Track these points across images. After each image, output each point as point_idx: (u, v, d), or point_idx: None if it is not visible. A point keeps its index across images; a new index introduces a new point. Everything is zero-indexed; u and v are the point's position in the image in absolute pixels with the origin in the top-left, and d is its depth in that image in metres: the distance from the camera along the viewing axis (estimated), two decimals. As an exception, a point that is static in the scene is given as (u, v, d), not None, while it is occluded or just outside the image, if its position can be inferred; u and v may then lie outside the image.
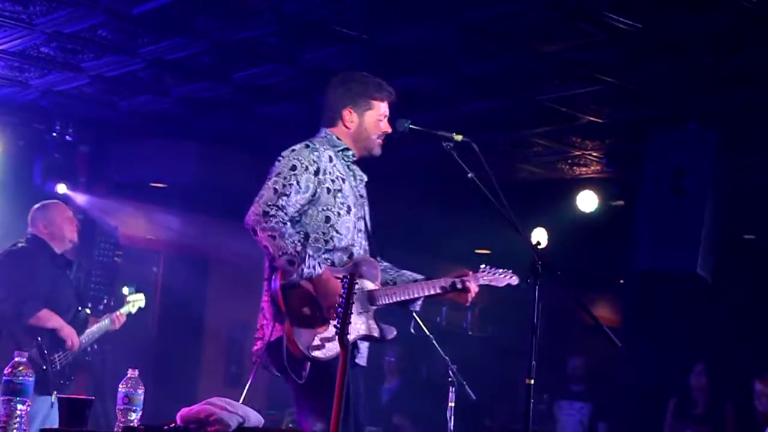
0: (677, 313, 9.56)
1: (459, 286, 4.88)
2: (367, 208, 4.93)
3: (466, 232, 10.84)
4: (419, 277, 4.97)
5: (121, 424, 3.95)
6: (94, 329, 7.24)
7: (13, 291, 6.72)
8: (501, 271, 5.12)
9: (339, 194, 4.67)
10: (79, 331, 7.02)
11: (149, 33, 7.40)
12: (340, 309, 4.03)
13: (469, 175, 4.72)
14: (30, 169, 9.56)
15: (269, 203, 4.45)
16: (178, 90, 8.68)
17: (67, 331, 6.83)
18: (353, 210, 4.73)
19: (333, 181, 4.66)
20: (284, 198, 4.48)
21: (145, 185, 10.49)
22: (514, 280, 5.10)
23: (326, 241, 4.61)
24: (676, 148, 7.95)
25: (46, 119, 9.48)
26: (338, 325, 3.98)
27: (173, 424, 3.62)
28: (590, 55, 7.23)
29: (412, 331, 7.34)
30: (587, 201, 10.02)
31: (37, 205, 7.17)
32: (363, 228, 4.83)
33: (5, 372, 3.42)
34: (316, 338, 4.41)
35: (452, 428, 7.29)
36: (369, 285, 4.69)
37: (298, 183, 4.53)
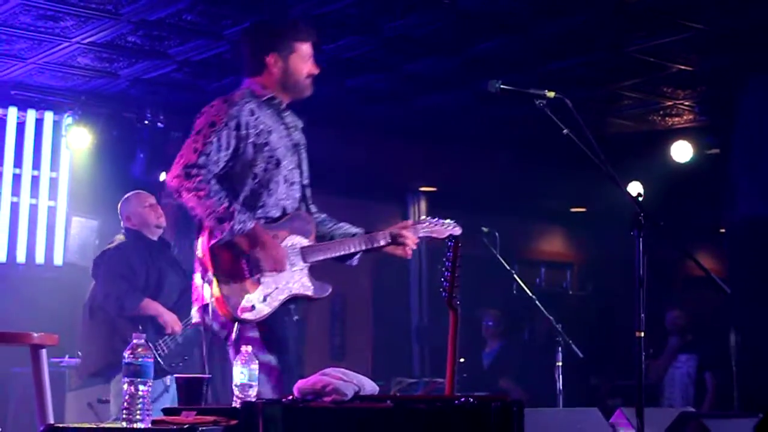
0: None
1: (397, 239, 4.76)
2: (303, 155, 4.73)
3: (560, 191, 10.78)
4: (357, 230, 4.82)
5: (238, 400, 4.01)
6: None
7: (114, 287, 6.83)
8: (445, 222, 4.96)
9: (265, 148, 4.49)
10: (187, 311, 7.09)
11: (233, 14, 7.45)
12: (446, 273, 4.03)
13: (564, 131, 4.67)
14: (125, 158, 9.69)
15: (190, 162, 4.33)
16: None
17: (167, 318, 6.85)
18: (283, 162, 4.56)
19: (258, 134, 4.48)
20: (203, 157, 4.34)
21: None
22: (457, 230, 4.93)
23: (254, 197, 4.48)
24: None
25: (137, 108, 9.60)
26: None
27: (291, 397, 3.65)
28: (676, 1, 7.12)
29: (514, 292, 7.35)
30: (682, 151, 9.89)
31: (122, 199, 7.27)
32: (297, 179, 4.65)
33: (125, 355, 3.49)
34: (245, 299, 4.34)
35: (560, 388, 7.28)
36: (302, 241, 4.57)
37: (218, 140, 4.38)
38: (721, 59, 8.29)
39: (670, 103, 9.60)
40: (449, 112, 9.77)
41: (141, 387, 3.46)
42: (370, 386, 3.74)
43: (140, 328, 6.71)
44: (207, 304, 4.39)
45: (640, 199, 4.84)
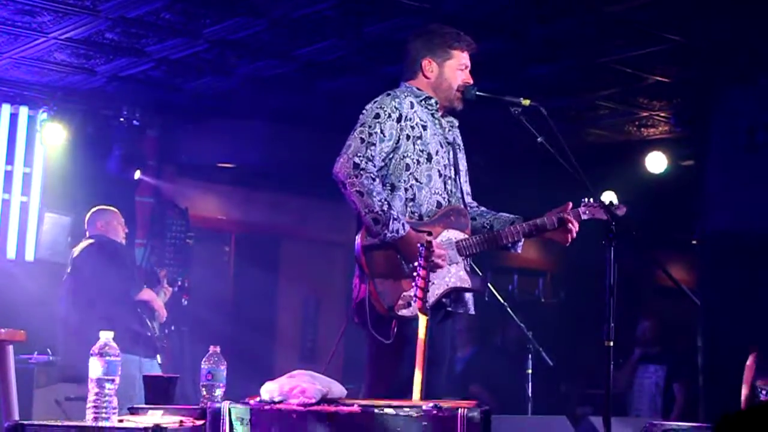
0: (754, 272, 9.43)
1: (563, 223, 4.74)
2: (461, 154, 4.88)
3: (534, 198, 10.78)
4: (515, 217, 4.85)
5: (206, 400, 4.00)
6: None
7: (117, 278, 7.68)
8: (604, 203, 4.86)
9: (418, 141, 4.64)
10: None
11: (211, 14, 7.43)
12: (417, 276, 4.04)
13: (539, 139, 4.70)
14: (100, 155, 9.66)
15: (359, 154, 4.48)
16: (242, 69, 8.72)
17: (160, 303, 7.93)
18: (435, 158, 4.67)
19: (413, 127, 4.64)
20: (372, 148, 4.51)
21: (213, 166, 10.57)
22: (622, 210, 4.86)
23: (406, 189, 4.59)
24: (747, 105, 7.85)
25: (113, 105, 9.57)
26: (417, 293, 3.98)
27: (258, 398, 3.64)
28: (654, 13, 7.14)
29: (486, 299, 7.35)
30: (656, 162, 9.92)
31: (92, 210, 8.04)
32: (452, 175, 4.77)
33: (92, 352, 3.47)
34: (401, 296, 4.41)
35: (530, 395, 7.30)
36: (457, 235, 4.64)
37: (382, 131, 4.55)
38: (697, 71, 8.32)
39: (645, 114, 9.64)
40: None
41: (108, 385, 3.45)
42: (338, 389, 3.73)
43: (139, 311, 7.73)
44: (362, 301, 4.47)
45: (614, 206, 4.80)
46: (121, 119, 9.57)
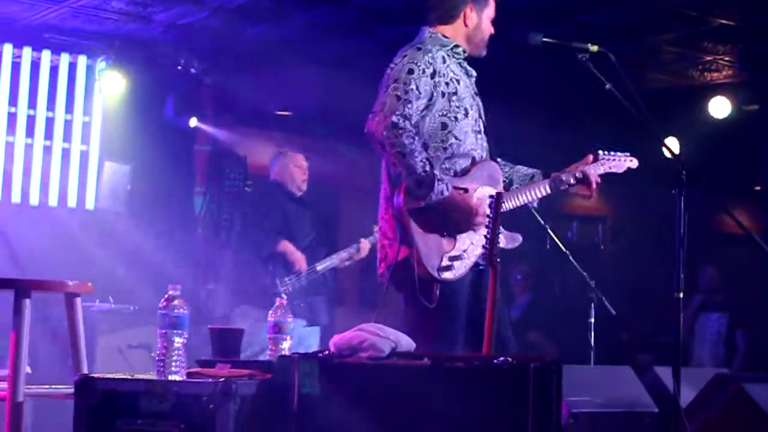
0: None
1: (585, 178, 4.66)
2: (481, 104, 4.73)
3: (594, 143, 10.66)
4: (533, 171, 4.77)
5: (272, 353, 3.99)
6: (334, 257, 7.70)
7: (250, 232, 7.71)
8: (620, 154, 4.86)
9: (454, 97, 4.49)
10: (315, 257, 7.62)
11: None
12: (487, 230, 3.98)
13: (607, 86, 4.61)
14: (158, 104, 9.67)
15: (396, 112, 4.26)
16: (300, 16, 8.64)
17: (297, 256, 7.43)
18: (470, 112, 4.56)
19: (447, 83, 4.48)
20: (408, 105, 4.31)
21: (270, 114, 10.54)
22: (634, 163, 4.86)
23: (445, 149, 4.45)
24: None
25: (170, 53, 9.53)
26: (487, 246, 3.94)
27: (327, 351, 3.62)
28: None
29: (548, 247, 7.29)
30: (720, 107, 9.76)
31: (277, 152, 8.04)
32: (480, 128, 4.65)
33: (160, 306, 3.46)
34: (444, 258, 4.31)
35: (593, 343, 7.25)
36: (492, 191, 4.50)
37: (417, 88, 4.35)
38: (763, 14, 8.13)
39: (710, 58, 9.44)
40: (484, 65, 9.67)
41: (177, 339, 3.45)
42: (406, 342, 3.71)
43: (271, 268, 7.39)
44: (400, 263, 4.34)
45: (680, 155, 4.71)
46: (179, 67, 9.53)
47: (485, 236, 4.05)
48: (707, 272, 10.02)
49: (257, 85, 9.90)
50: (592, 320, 7.20)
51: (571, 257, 7.10)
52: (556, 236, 7.18)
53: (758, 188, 10.43)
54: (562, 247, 7.12)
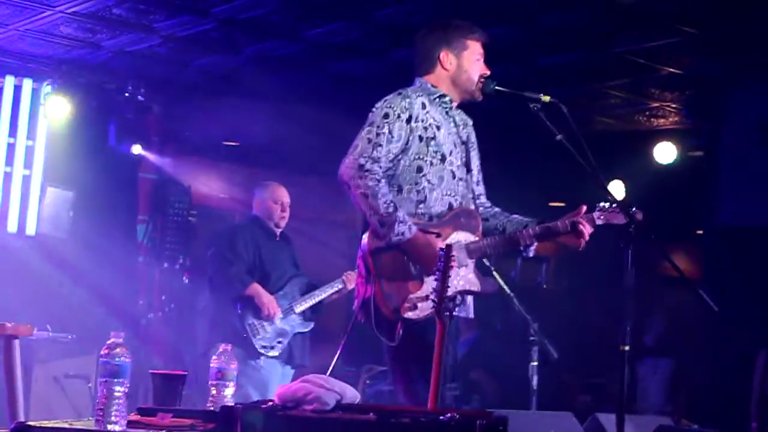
0: (760, 267, 9.38)
1: (576, 227, 4.58)
2: (473, 153, 4.78)
3: (538, 185, 10.70)
4: (529, 220, 4.72)
5: (214, 401, 3.92)
6: (315, 293, 7.33)
7: (222, 270, 7.14)
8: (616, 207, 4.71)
9: (432, 142, 4.54)
10: (293, 297, 7.23)
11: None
12: (435, 281, 3.95)
13: (558, 137, 4.59)
14: (103, 130, 9.58)
15: (364, 155, 4.38)
16: (249, 49, 8.63)
17: (264, 300, 6.99)
18: (449, 158, 4.59)
19: (426, 128, 4.54)
20: (378, 148, 4.41)
21: (217, 144, 10.48)
22: (638, 215, 4.62)
23: (418, 192, 4.50)
24: (760, 100, 7.78)
25: (118, 80, 9.46)
26: (435, 298, 3.91)
27: (271, 403, 3.57)
28: (670, 5, 7.07)
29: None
30: (665, 152, 9.84)
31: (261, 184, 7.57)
32: (463, 175, 4.67)
33: (102, 353, 3.39)
34: (407, 299, 4.33)
35: (535, 386, 7.25)
36: (468, 237, 4.53)
37: (390, 132, 4.45)
38: (711, 64, 8.25)
39: (656, 105, 9.56)
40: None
41: (117, 388, 3.37)
42: (351, 394, 3.66)
43: (239, 309, 6.97)
44: (367, 301, 4.38)
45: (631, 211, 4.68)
46: (126, 94, 9.45)
47: (434, 289, 4.03)
48: (651, 318, 10.09)
49: (205, 115, 9.85)
50: (535, 364, 7.19)
51: (515, 301, 7.07)
52: (500, 276, 7.16)
53: (700, 232, 10.51)
54: (507, 290, 7.09)
